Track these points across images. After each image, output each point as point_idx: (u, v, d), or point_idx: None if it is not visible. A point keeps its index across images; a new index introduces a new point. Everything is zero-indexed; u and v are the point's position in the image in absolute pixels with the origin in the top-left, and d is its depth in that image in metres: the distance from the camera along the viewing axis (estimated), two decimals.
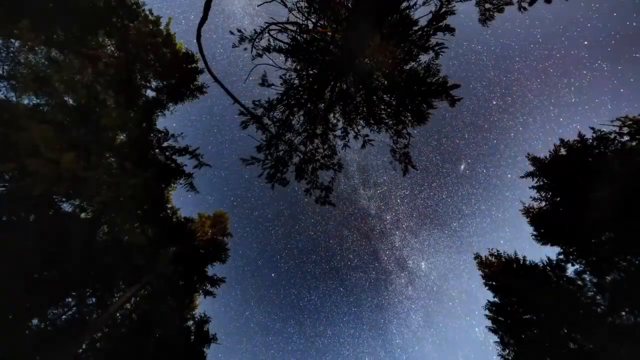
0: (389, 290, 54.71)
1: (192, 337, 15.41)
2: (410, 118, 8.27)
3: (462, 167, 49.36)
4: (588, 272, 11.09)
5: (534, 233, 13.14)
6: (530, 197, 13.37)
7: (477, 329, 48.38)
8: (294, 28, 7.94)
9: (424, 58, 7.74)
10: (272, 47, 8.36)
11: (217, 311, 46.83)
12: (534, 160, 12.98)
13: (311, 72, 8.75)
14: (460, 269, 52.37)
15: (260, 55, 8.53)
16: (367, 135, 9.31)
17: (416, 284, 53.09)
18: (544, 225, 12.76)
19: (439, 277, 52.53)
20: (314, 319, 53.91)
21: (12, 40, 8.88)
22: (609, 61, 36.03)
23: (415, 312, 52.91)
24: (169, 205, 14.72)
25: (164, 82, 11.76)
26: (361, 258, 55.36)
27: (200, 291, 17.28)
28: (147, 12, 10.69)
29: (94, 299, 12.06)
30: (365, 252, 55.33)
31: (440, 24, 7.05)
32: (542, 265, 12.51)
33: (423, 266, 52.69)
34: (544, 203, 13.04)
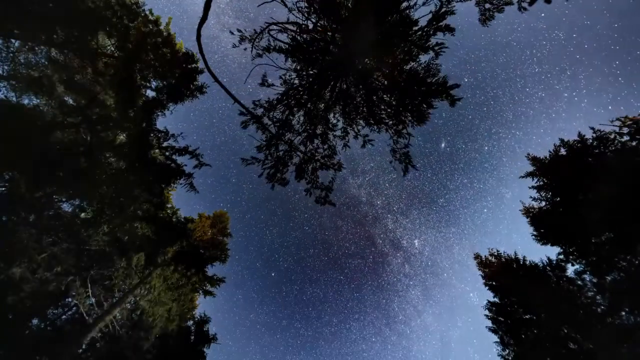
0: (387, 271, 57.59)
1: (192, 337, 15.40)
2: (410, 118, 8.27)
3: (443, 145, 52.49)
4: (588, 272, 11.08)
5: (534, 233, 13.14)
6: (530, 197, 13.38)
7: (471, 294, 51.89)
8: (294, 28, 7.94)
9: (424, 58, 7.74)
10: (272, 47, 8.36)
11: (221, 318, 47.99)
12: (534, 160, 12.98)
13: (311, 72, 8.75)
14: (450, 241, 56.05)
15: (260, 55, 8.53)
16: (367, 135, 9.32)
17: (412, 262, 56.36)
18: (544, 225, 12.76)
19: (432, 252, 56.19)
20: (319, 311, 56.32)
21: (12, 40, 8.88)
22: (564, 30, 39.83)
23: (413, 288, 56.34)
24: (169, 205, 14.72)
25: (164, 82, 11.76)
26: (357, 245, 58.16)
27: (200, 291, 17.28)
28: (147, 12, 10.69)
29: (94, 299, 12.06)
30: (361, 239, 58.00)
31: (440, 24, 7.04)
32: (542, 265, 12.51)
33: (416, 244, 56.27)
34: (544, 203, 13.04)
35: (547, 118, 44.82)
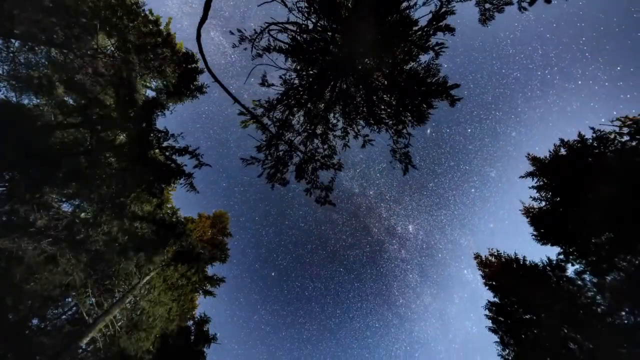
0: (385, 258, 59.74)
1: (192, 337, 15.40)
2: (410, 118, 8.27)
3: (429, 131, 54.98)
4: (588, 272, 11.08)
5: (534, 233, 13.14)
6: (530, 197, 13.39)
7: (465, 272, 54.49)
8: (294, 28, 7.93)
9: (424, 58, 7.74)
10: (272, 47, 8.35)
11: (224, 322, 49.06)
12: (534, 160, 12.98)
13: (311, 72, 8.74)
14: (442, 223, 58.71)
15: (260, 55, 8.52)
16: (367, 135, 9.32)
17: (407, 247, 58.77)
18: (544, 225, 12.76)
19: (425, 235, 58.78)
20: (322, 304, 57.82)
21: (12, 40, 8.88)
22: (534, 11, 44.14)
23: (411, 272, 58.59)
24: (169, 205, 14.72)
25: (164, 82, 11.76)
26: (354, 236, 59.85)
27: (200, 291, 17.29)
28: (147, 12, 10.68)
29: (94, 299, 12.06)
30: (357, 230, 59.79)
31: (440, 23, 7.04)
32: (542, 265, 12.51)
33: (410, 229, 58.36)
34: (543, 203, 13.04)
35: (523, 97, 47.15)
